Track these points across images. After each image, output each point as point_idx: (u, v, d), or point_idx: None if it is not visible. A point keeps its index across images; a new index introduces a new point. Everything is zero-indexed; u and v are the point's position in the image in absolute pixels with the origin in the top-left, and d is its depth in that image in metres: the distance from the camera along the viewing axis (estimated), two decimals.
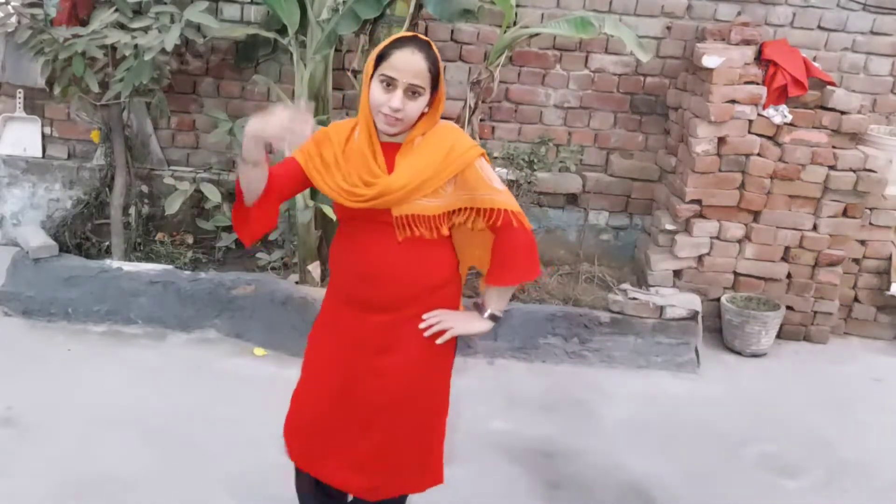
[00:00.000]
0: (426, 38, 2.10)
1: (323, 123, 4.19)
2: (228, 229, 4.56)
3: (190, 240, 4.80)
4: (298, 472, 2.44)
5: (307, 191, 4.11)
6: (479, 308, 2.26)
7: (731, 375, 4.27)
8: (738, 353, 4.47)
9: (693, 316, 4.26)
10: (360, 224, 2.18)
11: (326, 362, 2.29)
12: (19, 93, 4.80)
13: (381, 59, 2.05)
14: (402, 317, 2.20)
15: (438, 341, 2.19)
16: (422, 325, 2.18)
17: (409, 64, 2.02)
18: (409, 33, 2.11)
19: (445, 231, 2.18)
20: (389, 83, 2.03)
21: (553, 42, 4.84)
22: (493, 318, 2.26)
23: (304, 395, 2.36)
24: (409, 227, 2.12)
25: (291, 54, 4.22)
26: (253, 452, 3.21)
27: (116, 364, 3.81)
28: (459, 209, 2.15)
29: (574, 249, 4.98)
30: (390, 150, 2.13)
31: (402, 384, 2.22)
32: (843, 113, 4.38)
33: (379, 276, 2.17)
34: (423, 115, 2.10)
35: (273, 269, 4.49)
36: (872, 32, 4.83)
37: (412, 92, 2.03)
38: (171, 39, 3.95)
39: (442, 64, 2.10)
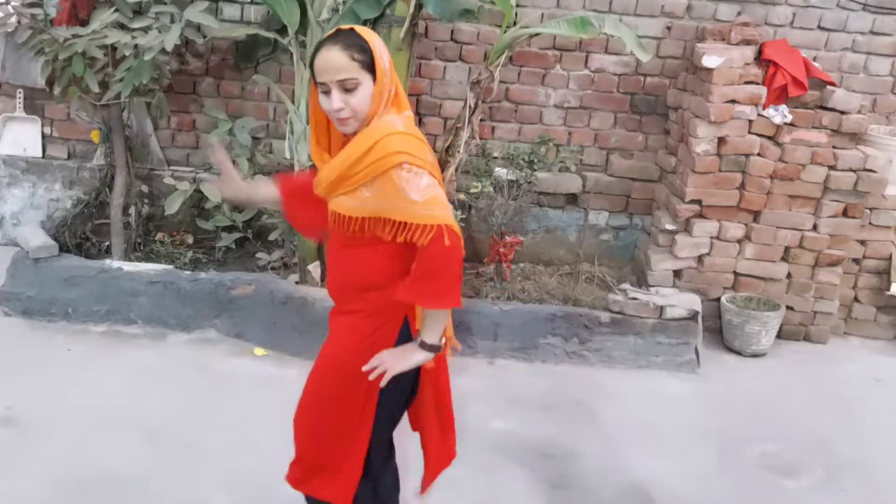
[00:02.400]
0: (349, 27, 2.04)
1: None
2: (228, 229, 4.57)
3: (190, 240, 4.80)
4: None
5: None
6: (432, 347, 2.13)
7: (731, 375, 4.27)
8: (738, 353, 4.46)
9: (693, 316, 4.26)
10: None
11: None
12: (19, 93, 4.80)
13: (311, 69, 2.05)
14: (337, 310, 2.24)
15: (381, 384, 2.11)
16: (364, 369, 2.10)
17: (326, 63, 1.98)
18: (333, 30, 2.06)
19: (359, 234, 2.06)
20: (324, 89, 2.02)
21: (553, 42, 4.84)
22: (425, 346, 2.10)
23: None
24: (334, 223, 2.10)
25: (291, 54, 4.22)
26: (253, 452, 3.21)
27: (116, 364, 3.80)
28: (382, 220, 2.01)
29: (574, 249, 4.98)
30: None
31: (315, 373, 2.25)
32: (843, 113, 4.38)
33: (328, 269, 2.26)
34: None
35: (273, 269, 4.49)
36: (872, 32, 4.83)
37: (344, 88, 1.99)
38: (171, 39, 3.96)
39: (374, 45, 2.00)
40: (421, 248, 1.99)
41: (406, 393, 2.26)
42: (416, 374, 2.22)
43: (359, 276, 2.13)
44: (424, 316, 2.09)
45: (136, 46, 3.99)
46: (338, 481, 2.23)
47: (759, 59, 4.44)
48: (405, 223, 1.98)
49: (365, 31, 2.04)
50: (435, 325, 2.10)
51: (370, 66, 2.00)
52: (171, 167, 4.93)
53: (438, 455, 2.39)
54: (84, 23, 4.13)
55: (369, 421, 2.19)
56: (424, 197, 1.97)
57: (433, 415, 2.33)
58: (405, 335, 2.16)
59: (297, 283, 4.28)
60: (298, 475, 2.30)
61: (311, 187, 2.18)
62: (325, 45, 2.00)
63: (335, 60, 1.97)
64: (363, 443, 2.21)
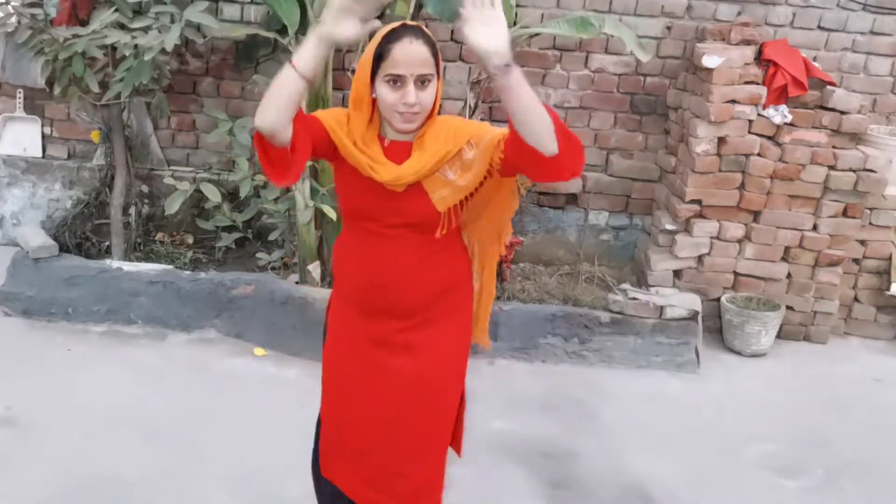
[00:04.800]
0: (416, 24, 2.01)
1: None
2: (228, 229, 4.56)
3: (190, 240, 4.80)
4: (322, 486, 2.39)
5: (307, 190, 4.12)
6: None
7: (731, 375, 4.27)
8: (738, 353, 4.46)
9: (693, 316, 4.26)
10: (373, 228, 2.10)
11: (348, 372, 2.22)
12: (19, 93, 4.80)
13: (379, 57, 1.96)
14: (418, 321, 2.15)
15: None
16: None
17: (411, 55, 1.93)
18: (398, 23, 2.01)
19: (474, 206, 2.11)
20: (397, 80, 1.95)
21: (553, 42, 4.84)
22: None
23: (332, 410, 2.28)
24: (454, 220, 2.06)
25: (291, 54, 4.21)
26: (253, 453, 3.21)
27: (116, 364, 3.81)
28: (491, 157, 1.99)
29: (574, 249, 4.98)
30: (398, 149, 2.06)
31: (417, 388, 2.18)
32: (843, 113, 4.38)
33: (394, 285, 2.11)
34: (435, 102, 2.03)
35: (273, 269, 4.49)
36: (872, 32, 4.83)
37: (421, 82, 1.95)
38: (171, 39, 3.95)
39: (436, 44, 2.02)
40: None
41: None
42: None
43: (447, 275, 2.17)
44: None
45: (136, 46, 3.98)
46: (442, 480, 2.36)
47: (759, 59, 4.44)
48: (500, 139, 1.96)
49: (426, 30, 2.01)
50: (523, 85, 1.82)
51: (437, 65, 1.98)
52: (171, 167, 4.93)
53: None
54: (84, 23, 4.13)
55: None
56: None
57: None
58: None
59: (297, 283, 4.27)
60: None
61: (312, 130, 2.02)
62: (407, 37, 1.94)
63: (421, 53, 1.94)
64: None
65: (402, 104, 1.95)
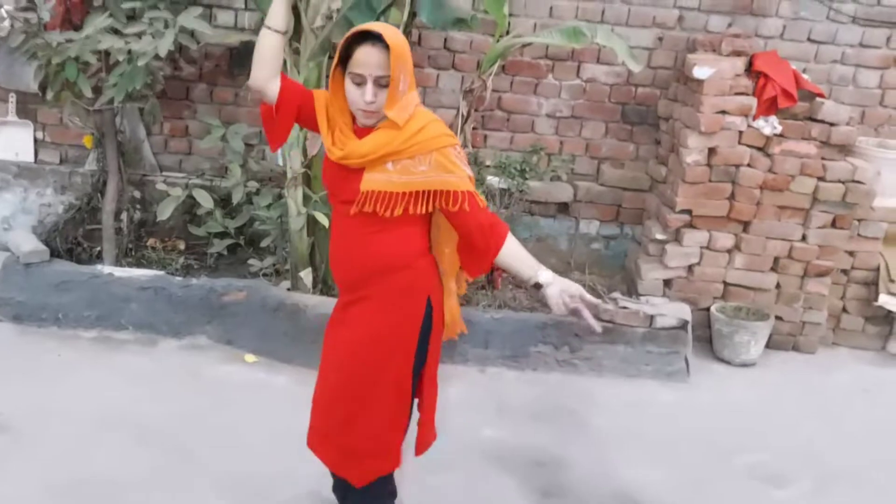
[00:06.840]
0: (379, 31, 2.13)
1: None
2: (220, 235, 4.56)
3: (182, 246, 4.80)
4: None
5: (300, 197, 4.12)
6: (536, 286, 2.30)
7: (720, 385, 4.28)
8: (728, 363, 4.48)
9: (683, 325, 4.27)
10: (335, 204, 2.34)
11: (325, 337, 2.49)
12: (12, 97, 4.79)
13: (346, 58, 2.15)
14: (358, 297, 2.33)
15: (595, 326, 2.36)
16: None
17: (370, 57, 2.11)
18: (365, 26, 2.16)
19: (399, 211, 2.20)
20: (359, 80, 2.14)
21: (545, 51, 4.87)
22: (539, 285, 2.30)
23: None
24: (369, 203, 2.18)
25: (285, 61, 4.23)
26: (244, 458, 3.21)
27: (107, 370, 3.80)
28: (436, 192, 2.20)
29: (565, 258, 5.00)
30: (364, 131, 2.24)
31: (347, 361, 2.34)
32: (832, 125, 4.41)
33: (344, 259, 2.34)
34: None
35: (265, 275, 4.48)
36: (861, 45, 4.88)
37: (381, 85, 2.13)
38: (165, 45, 3.96)
39: (405, 47, 2.15)
40: (459, 218, 2.23)
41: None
42: (423, 345, 2.38)
43: (388, 258, 2.27)
44: (511, 263, 2.29)
45: (129, 52, 3.99)
46: (391, 457, 2.43)
47: (750, 70, 4.47)
48: (459, 192, 2.19)
49: (394, 31, 2.17)
50: (523, 258, 2.29)
51: (403, 71, 2.14)
52: (164, 173, 4.93)
53: (431, 420, 2.55)
54: (78, 27, 4.13)
55: (409, 393, 2.39)
56: (469, 173, 2.24)
57: (432, 381, 2.51)
58: (429, 310, 2.34)
59: (288, 289, 4.27)
60: (358, 470, 2.41)
61: (300, 96, 2.34)
62: (369, 41, 2.11)
63: (380, 57, 2.11)
64: (407, 412, 2.43)
65: (362, 101, 2.15)
